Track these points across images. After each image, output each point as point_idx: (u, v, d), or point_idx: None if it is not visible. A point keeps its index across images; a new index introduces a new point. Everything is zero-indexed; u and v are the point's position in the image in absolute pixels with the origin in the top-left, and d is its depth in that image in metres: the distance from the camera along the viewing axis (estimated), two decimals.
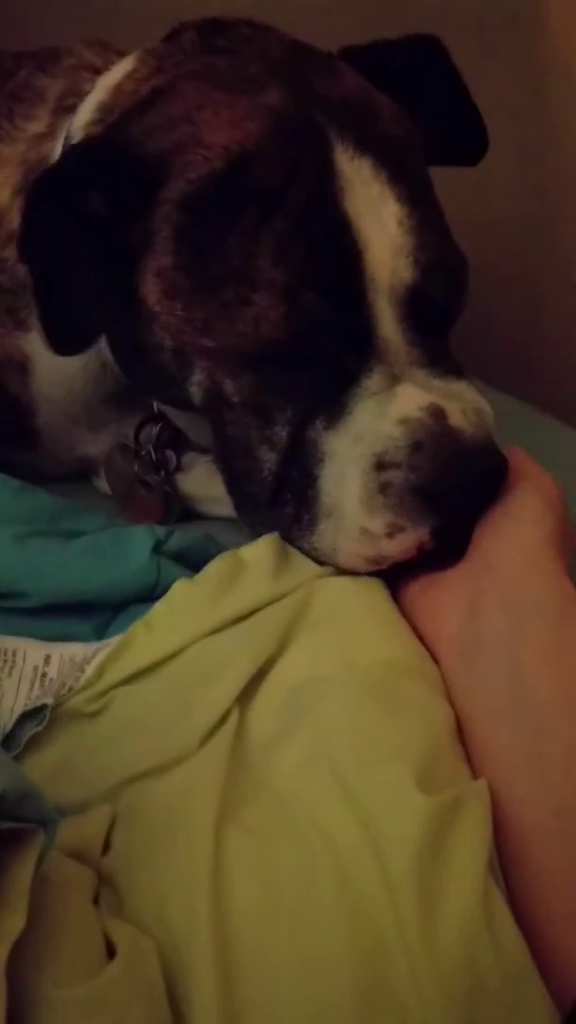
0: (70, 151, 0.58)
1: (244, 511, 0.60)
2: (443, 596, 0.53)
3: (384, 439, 0.53)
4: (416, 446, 0.52)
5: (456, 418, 0.53)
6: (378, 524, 0.53)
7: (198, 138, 0.54)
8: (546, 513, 0.53)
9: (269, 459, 0.56)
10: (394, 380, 0.54)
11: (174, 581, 0.55)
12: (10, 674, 0.52)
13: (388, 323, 0.54)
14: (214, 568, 0.55)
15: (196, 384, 0.57)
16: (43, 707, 0.50)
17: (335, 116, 0.54)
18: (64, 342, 0.57)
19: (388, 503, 0.53)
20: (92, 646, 0.54)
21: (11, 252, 0.63)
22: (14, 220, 0.63)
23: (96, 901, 0.41)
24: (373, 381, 0.54)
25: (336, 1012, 0.36)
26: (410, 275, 0.53)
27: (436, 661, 0.51)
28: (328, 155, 0.53)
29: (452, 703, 0.49)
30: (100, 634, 0.55)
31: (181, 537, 0.59)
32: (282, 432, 0.56)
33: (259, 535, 0.57)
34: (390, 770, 0.42)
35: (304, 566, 0.57)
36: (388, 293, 0.53)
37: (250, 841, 0.41)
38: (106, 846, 0.43)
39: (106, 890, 0.42)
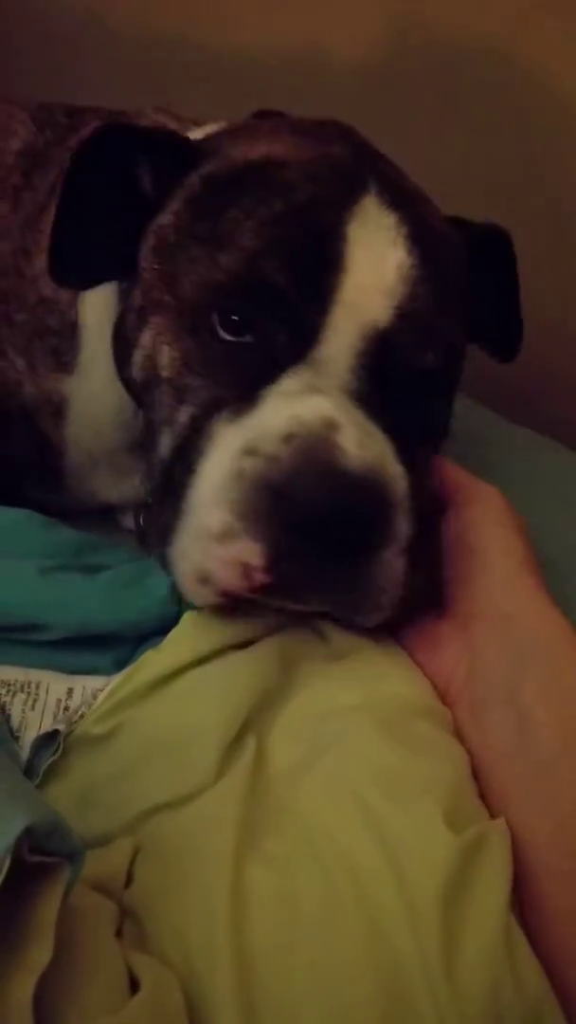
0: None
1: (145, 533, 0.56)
2: (445, 654, 0.53)
3: (264, 428, 0.49)
4: (288, 438, 0.47)
5: (348, 438, 0.48)
6: (215, 520, 0.48)
7: (251, 146, 0.56)
8: (510, 537, 0.53)
9: (165, 446, 0.54)
10: (315, 392, 0.50)
11: None
12: (33, 707, 0.53)
13: (340, 344, 0.51)
14: None
15: (141, 349, 0.56)
16: (56, 734, 0.50)
17: (385, 184, 0.54)
18: (65, 273, 0.57)
19: (233, 496, 0.47)
20: (113, 679, 0.54)
21: (67, 294, 0.64)
22: None
23: (119, 934, 0.41)
24: (293, 383, 0.50)
25: None
26: (386, 318, 0.51)
27: None
28: (359, 192, 0.53)
29: (466, 748, 0.49)
30: (121, 667, 0.56)
31: None
32: (186, 414, 0.53)
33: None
34: (420, 807, 0.43)
35: None
36: (354, 320, 0.51)
37: (272, 872, 0.42)
38: (128, 878, 0.44)
39: (128, 923, 0.42)
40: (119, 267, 0.59)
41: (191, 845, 0.43)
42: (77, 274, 0.58)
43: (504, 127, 0.95)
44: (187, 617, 0.55)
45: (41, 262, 0.66)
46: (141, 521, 0.68)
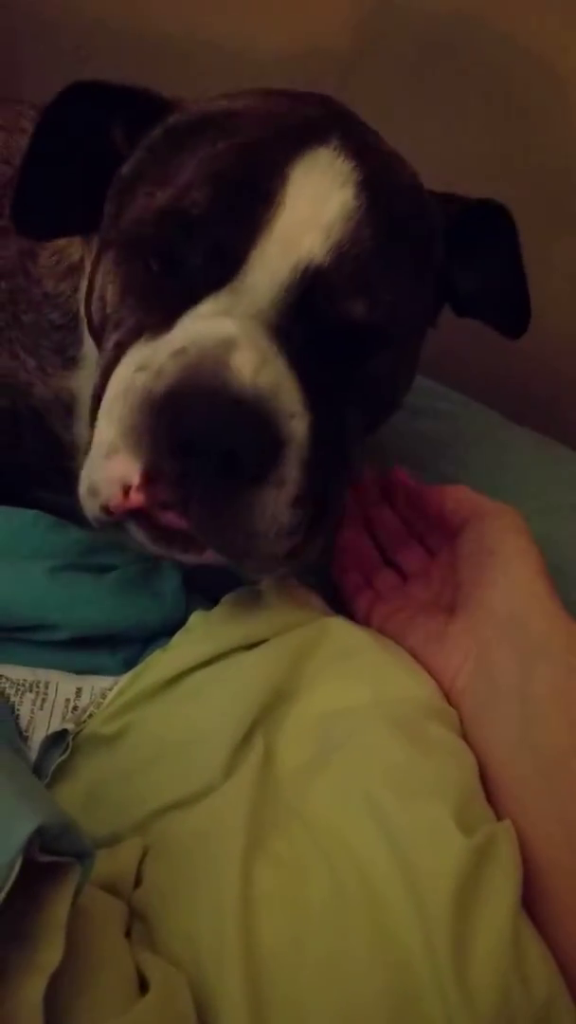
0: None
1: None
2: (451, 649, 0.53)
3: (160, 346, 0.47)
4: (177, 354, 0.45)
5: (243, 359, 0.44)
6: (104, 437, 0.47)
7: (218, 101, 0.56)
8: (528, 545, 0.54)
9: (96, 378, 0.53)
10: (226, 316, 0.47)
11: None
12: (42, 707, 0.53)
13: (265, 275, 0.48)
14: (230, 598, 0.56)
15: (97, 292, 0.55)
16: (65, 733, 0.50)
17: (350, 140, 0.52)
18: (28, 222, 0.57)
19: (118, 412, 0.46)
20: (122, 679, 0.54)
21: (67, 286, 0.64)
22: (74, 254, 0.64)
23: (128, 934, 0.41)
24: (209, 307, 0.48)
25: None
26: (322, 255, 0.48)
27: None
28: (315, 143, 0.51)
29: (470, 747, 0.49)
30: (129, 667, 0.56)
31: (208, 572, 0.59)
32: (111, 339, 0.52)
33: None
34: (431, 809, 0.43)
35: (316, 602, 0.58)
36: (285, 254, 0.48)
37: (281, 874, 0.42)
38: (137, 879, 0.44)
39: (137, 923, 0.42)
40: (90, 220, 0.58)
41: (200, 846, 0.44)
42: (42, 225, 0.58)
43: (491, 99, 0.94)
44: (195, 617, 0.55)
45: (44, 259, 0.66)
46: None
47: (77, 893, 0.36)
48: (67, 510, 0.63)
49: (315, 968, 0.39)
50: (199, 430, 0.43)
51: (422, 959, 0.38)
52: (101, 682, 0.54)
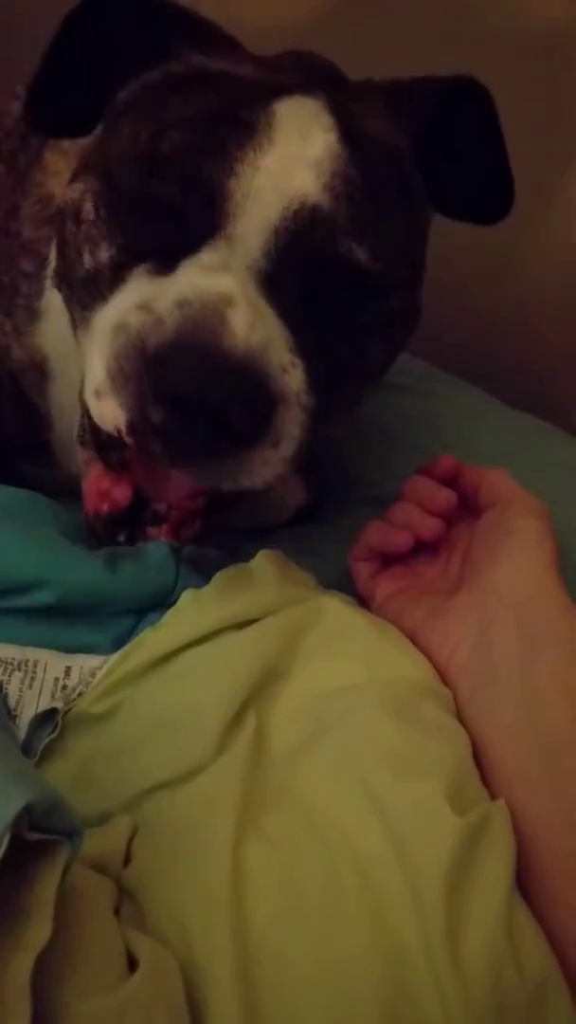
0: None
1: None
2: (452, 623, 0.53)
3: (166, 289, 0.47)
4: (181, 304, 0.45)
5: (237, 320, 0.45)
6: (93, 376, 0.47)
7: (220, 65, 0.55)
8: (545, 535, 0.54)
9: (88, 262, 0.52)
10: (226, 269, 0.47)
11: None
12: (31, 686, 0.52)
13: (251, 222, 0.47)
14: (221, 575, 0.56)
15: (70, 201, 0.55)
16: (55, 712, 0.50)
17: (332, 100, 0.52)
18: (42, 116, 0.57)
19: (111, 351, 0.47)
20: (111, 657, 0.54)
21: (46, 232, 0.63)
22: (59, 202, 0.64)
23: (116, 913, 0.41)
24: (208, 257, 0.48)
25: None
26: (316, 191, 0.48)
27: (446, 685, 0.52)
28: (300, 92, 0.51)
29: (466, 726, 0.49)
30: (119, 646, 0.55)
31: (195, 547, 0.59)
32: (108, 254, 0.51)
33: None
34: (424, 789, 0.43)
35: (307, 581, 0.58)
36: (271, 194, 0.48)
37: (272, 852, 0.42)
38: (127, 858, 0.44)
39: (126, 902, 0.42)
40: (94, 123, 0.58)
41: (190, 825, 0.43)
42: (55, 122, 0.57)
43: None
44: (186, 596, 0.55)
45: (28, 207, 0.65)
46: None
47: (66, 871, 0.35)
48: (50, 483, 0.63)
49: (308, 950, 0.38)
50: (188, 387, 0.43)
51: (416, 940, 0.38)
52: (91, 661, 0.54)
